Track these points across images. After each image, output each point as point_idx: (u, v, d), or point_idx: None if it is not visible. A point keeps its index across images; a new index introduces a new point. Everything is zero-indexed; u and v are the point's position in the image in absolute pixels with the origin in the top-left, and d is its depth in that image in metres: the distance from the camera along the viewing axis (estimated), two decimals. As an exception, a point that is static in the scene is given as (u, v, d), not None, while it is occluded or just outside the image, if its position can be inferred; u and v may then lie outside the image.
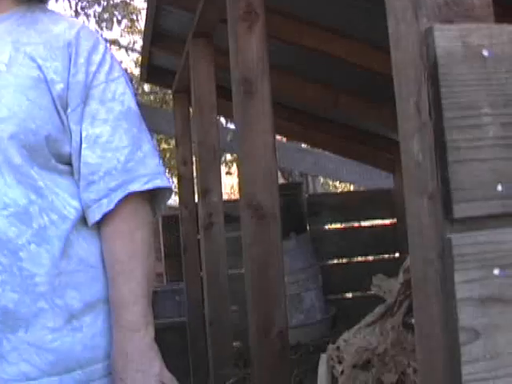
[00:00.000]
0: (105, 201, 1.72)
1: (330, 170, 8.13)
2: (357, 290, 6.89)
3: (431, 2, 1.10)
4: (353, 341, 2.56)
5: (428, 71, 1.08)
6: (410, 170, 1.15)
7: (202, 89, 4.37)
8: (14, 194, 1.64)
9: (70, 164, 1.77)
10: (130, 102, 1.83)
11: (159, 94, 9.59)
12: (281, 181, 11.35)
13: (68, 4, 9.18)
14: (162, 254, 7.90)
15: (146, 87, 9.81)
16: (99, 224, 1.75)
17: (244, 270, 2.99)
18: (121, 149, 1.75)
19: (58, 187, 1.72)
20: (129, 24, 10.18)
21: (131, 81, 9.57)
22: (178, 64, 5.29)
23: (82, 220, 1.75)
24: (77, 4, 9.14)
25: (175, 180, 8.35)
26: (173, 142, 8.52)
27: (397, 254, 6.83)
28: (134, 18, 10.03)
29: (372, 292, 2.88)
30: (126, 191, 1.73)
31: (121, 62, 10.63)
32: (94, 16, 9.24)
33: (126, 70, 7.25)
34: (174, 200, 8.51)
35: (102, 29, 9.40)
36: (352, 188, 12.11)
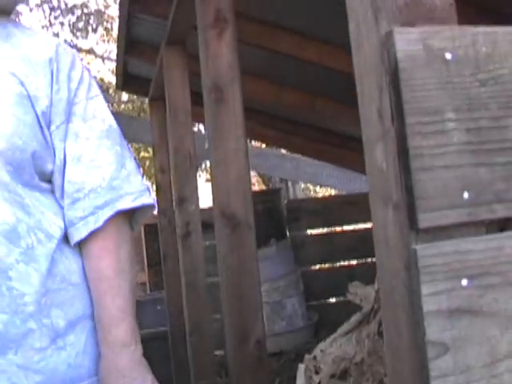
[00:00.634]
0: (91, 218, 1.73)
1: (310, 174, 8.12)
2: (339, 296, 6.86)
3: (391, 4, 1.06)
4: (329, 350, 2.53)
5: (389, 76, 1.04)
6: (375, 179, 1.11)
7: (176, 96, 4.34)
8: (3, 212, 1.62)
9: (50, 182, 1.76)
10: (111, 119, 1.85)
11: (136, 102, 9.55)
12: (261, 187, 11.33)
13: (42, 13, 9.13)
14: (145, 263, 7.87)
15: (124, 96, 9.77)
16: (82, 241, 1.75)
17: (220, 279, 2.95)
18: (105, 166, 1.75)
19: (43, 205, 1.72)
20: (104, 33, 10.14)
21: (107, 90, 9.53)
22: (153, 72, 5.26)
23: (65, 238, 1.75)
24: (50, 14, 9.09)
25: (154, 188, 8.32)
26: (151, 150, 8.50)
27: (379, 258, 6.80)
28: (109, 26, 10.00)
29: (350, 299, 2.86)
30: (115, 209, 1.74)
31: (98, 71, 10.59)
32: (69, 25, 9.20)
33: (102, 80, 7.20)
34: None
35: (77, 38, 9.37)
36: (333, 192, 12.10)
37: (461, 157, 1.04)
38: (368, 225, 7.12)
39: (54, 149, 1.73)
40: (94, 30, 9.47)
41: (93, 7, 9.48)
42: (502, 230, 1.09)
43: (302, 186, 12.89)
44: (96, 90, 1.86)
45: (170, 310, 5.92)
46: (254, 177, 11.75)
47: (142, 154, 11.38)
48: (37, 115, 1.70)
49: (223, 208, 2.80)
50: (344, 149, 6.85)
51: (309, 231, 7.36)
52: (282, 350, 5.78)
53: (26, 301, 1.62)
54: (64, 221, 1.74)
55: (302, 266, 6.78)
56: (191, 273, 4.37)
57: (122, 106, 9.71)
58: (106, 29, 9.92)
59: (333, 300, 7.11)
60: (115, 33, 9.64)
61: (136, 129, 7.56)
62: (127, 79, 6.18)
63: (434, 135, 1.03)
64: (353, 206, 7.03)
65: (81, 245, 1.76)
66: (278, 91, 5.49)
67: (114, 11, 9.86)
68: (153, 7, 4.39)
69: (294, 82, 5.42)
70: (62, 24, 9.04)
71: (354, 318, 2.60)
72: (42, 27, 9.06)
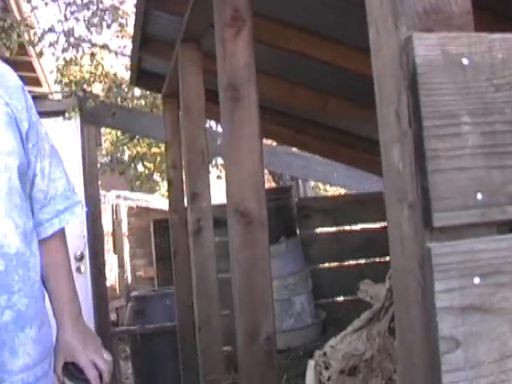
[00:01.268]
0: (56, 220, 2.20)
1: (320, 173, 8.13)
2: (347, 294, 6.88)
3: (411, 10, 1.10)
4: (339, 347, 2.56)
5: (408, 80, 1.08)
6: (391, 179, 1.15)
7: (190, 94, 4.36)
8: (19, 217, 1.99)
9: None
10: (50, 140, 2.24)
11: (149, 98, 9.57)
12: (271, 185, 11.35)
13: (58, 8, 9.17)
14: (154, 258, 7.90)
15: (137, 92, 9.80)
16: (45, 238, 2.18)
17: (232, 275, 2.98)
18: (58, 179, 2.20)
19: (29, 210, 2.11)
20: (118, 28, 10.18)
21: (120, 85, 9.56)
22: (167, 68, 5.29)
23: None
24: (66, 8, 9.12)
25: (166, 184, 8.34)
26: (163, 146, 8.53)
27: (387, 258, 6.80)
28: (124, 22, 10.02)
29: (360, 297, 2.88)
30: (74, 215, 2.26)
31: (111, 66, 10.62)
32: (84, 20, 9.23)
33: (115, 75, 7.19)
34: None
35: (91, 33, 9.40)
36: (342, 191, 12.10)
37: (475, 159, 1.08)
38: (377, 225, 7.14)
39: (29, 163, 2.08)
40: (109, 26, 9.49)
41: (108, 3, 9.54)
42: (512, 230, 1.12)
43: (312, 184, 12.90)
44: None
45: (179, 306, 5.95)
46: (265, 174, 11.74)
47: (154, 149, 11.41)
48: (21, 134, 2.03)
49: (237, 204, 2.83)
50: (355, 149, 6.86)
51: (319, 230, 7.37)
52: (290, 347, 5.80)
53: (36, 287, 2.04)
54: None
55: (311, 264, 6.80)
56: (202, 268, 4.40)
57: (135, 101, 9.73)
58: (120, 24, 9.95)
59: (341, 298, 7.13)
60: (129, 29, 9.69)
61: (148, 124, 7.59)
62: (141, 75, 6.21)
63: (450, 138, 1.07)
64: (363, 205, 7.05)
65: (42, 241, 2.16)
66: (290, 90, 5.51)
67: (129, 7, 9.90)
68: (169, 4, 4.41)
69: (306, 81, 5.44)
70: (77, 20, 9.08)
71: (365, 316, 2.63)
72: (57, 22, 9.10)
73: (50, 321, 2.13)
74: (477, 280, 1.06)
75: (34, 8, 8.96)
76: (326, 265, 7.40)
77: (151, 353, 6.74)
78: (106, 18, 9.39)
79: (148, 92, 9.05)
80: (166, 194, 7.39)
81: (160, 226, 7.72)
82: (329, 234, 7.42)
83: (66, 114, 6.89)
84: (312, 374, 2.63)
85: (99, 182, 7.73)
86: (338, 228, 7.52)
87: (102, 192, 8.55)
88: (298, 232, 6.86)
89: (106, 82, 9.85)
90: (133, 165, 11.53)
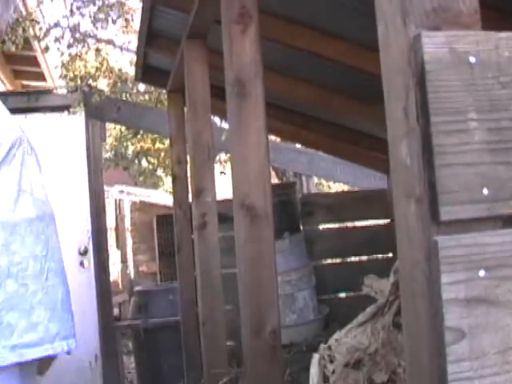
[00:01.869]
0: None
1: (324, 170, 8.14)
2: (350, 290, 6.90)
3: (419, 9, 1.12)
4: (344, 340, 2.59)
5: (416, 77, 1.10)
6: (398, 174, 1.17)
7: (196, 89, 4.39)
8: None
9: None
10: None
11: (154, 93, 9.58)
12: (275, 181, 11.36)
13: (63, 3, 9.17)
14: (156, 254, 7.93)
15: (141, 87, 9.81)
16: None
17: (237, 269, 3.00)
18: None
19: None
20: (124, 24, 10.18)
21: (126, 81, 9.58)
22: (172, 64, 5.31)
23: None
24: (72, 4, 9.13)
25: (169, 179, 8.36)
26: (167, 142, 8.54)
27: (390, 255, 6.83)
28: (129, 18, 10.03)
29: (365, 292, 2.90)
30: None
31: (116, 61, 10.63)
32: (90, 16, 9.24)
33: (120, 70, 7.20)
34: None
35: (96, 28, 9.40)
36: (346, 188, 12.12)
37: (481, 155, 1.10)
38: (380, 221, 7.16)
39: None
40: (114, 22, 9.50)
41: (114, -2, 9.56)
42: (517, 224, 1.15)
43: (316, 180, 12.91)
44: None
45: (182, 300, 5.97)
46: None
47: (158, 145, 11.43)
48: None
49: (243, 199, 2.85)
50: (359, 146, 6.87)
51: (322, 226, 7.39)
52: (293, 342, 5.82)
53: None
54: None
55: (314, 260, 6.82)
56: (206, 263, 4.42)
57: (140, 96, 9.75)
58: (125, 20, 9.96)
59: (343, 294, 7.15)
60: (135, 24, 9.70)
61: (153, 120, 7.61)
62: (146, 71, 6.22)
63: (457, 134, 1.09)
64: (366, 202, 7.06)
65: None
66: (295, 86, 5.52)
67: (134, 3, 9.91)
68: (175, 0, 4.43)
69: (311, 77, 5.45)
70: (82, 15, 9.09)
71: (369, 310, 2.65)
72: (63, 17, 9.12)
73: None
74: (482, 273, 1.09)
75: (39, 3, 8.98)
76: (329, 261, 7.41)
77: (154, 347, 6.77)
78: (111, 13, 9.39)
79: (152, 87, 9.05)
80: (170, 189, 7.41)
81: (163, 221, 7.75)
82: (332, 230, 7.44)
83: (71, 109, 6.91)
84: (316, 367, 2.65)
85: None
86: (341, 224, 7.53)
87: (105, 187, 8.56)
88: (301, 228, 6.87)
89: (110, 78, 9.87)
90: (137, 160, 11.54)
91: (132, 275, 11.99)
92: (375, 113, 5.18)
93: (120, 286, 11.64)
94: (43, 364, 2.23)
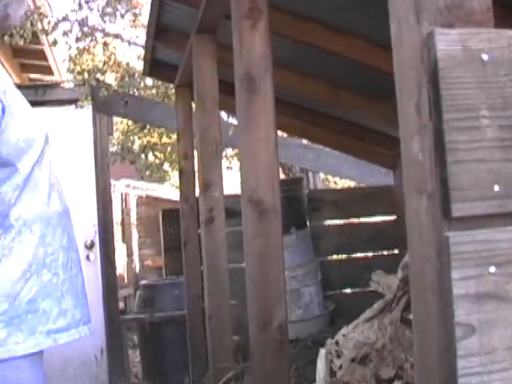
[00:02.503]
0: None
1: (331, 166, 8.14)
2: (356, 286, 6.90)
3: (433, 6, 1.13)
4: (351, 336, 2.60)
5: (428, 74, 1.11)
6: (410, 170, 1.18)
7: (204, 84, 4.39)
8: None
9: None
10: None
11: (161, 88, 9.59)
12: (281, 176, 11.36)
13: (72, -3, 9.19)
14: (162, 248, 7.94)
15: (149, 81, 9.82)
16: None
17: (245, 264, 3.01)
18: None
19: None
20: (132, 18, 10.19)
21: (133, 75, 9.58)
22: (180, 59, 5.31)
23: None
24: (80, -2, 9.15)
25: (176, 174, 8.37)
26: (174, 136, 8.54)
27: (396, 251, 6.84)
28: (138, 12, 10.04)
29: (371, 288, 2.91)
30: None
31: (123, 55, 10.64)
32: (98, 10, 9.25)
33: (128, 64, 7.18)
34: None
35: (105, 22, 9.40)
36: (352, 184, 12.11)
37: (493, 152, 1.11)
38: (386, 218, 7.16)
39: None
40: (122, 16, 9.51)
41: (122, -8, 9.56)
42: (528, 221, 1.15)
43: (322, 176, 12.91)
44: None
45: (188, 295, 5.99)
46: (276, 166, 11.73)
47: (164, 139, 11.45)
48: None
49: (251, 194, 2.86)
50: (366, 142, 6.88)
51: (328, 222, 7.39)
52: (298, 338, 5.82)
53: None
54: None
55: (321, 256, 6.82)
56: (213, 258, 4.43)
57: (147, 91, 9.75)
58: (134, 14, 9.97)
59: (349, 290, 7.15)
60: (143, 19, 9.72)
61: (160, 114, 7.61)
62: (154, 65, 6.23)
63: (469, 131, 1.10)
64: (372, 198, 7.07)
65: None
66: (302, 82, 5.53)
67: (143, -3, 9.93)
68: (184, -5, 4.45)
69: (319, 73, 5.46)
70: (90, 9, 9.10)
71: (377, 306, 2.66)
72: (71, 11, 9.13)
73: None
74: (492, 269, 1.10)
75: (48, -5, 8.98)
76: (335, 257, 7.41)
77: (159, 341, 6.79)
78: (119, 7, 9.40)
79: (160, 82, 9.06)
80: (176, 183, 7.41)
81: (169, 215, 7.76)
82: (338, 226, 7.44)
83: (79, 103, 6.92)
84: (323, 362, 2.66)
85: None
86: (348, 220, 7.53)
87: (111, 181, 8.58)
88: (308, 224, 6.87)
89: (118, 72, 9.88)
90: (143, 154, 11.56)
91: (137, 269, 12.01)
92: (383, 109, 5.19)
93: (125, 280, 11.66)
94: None
